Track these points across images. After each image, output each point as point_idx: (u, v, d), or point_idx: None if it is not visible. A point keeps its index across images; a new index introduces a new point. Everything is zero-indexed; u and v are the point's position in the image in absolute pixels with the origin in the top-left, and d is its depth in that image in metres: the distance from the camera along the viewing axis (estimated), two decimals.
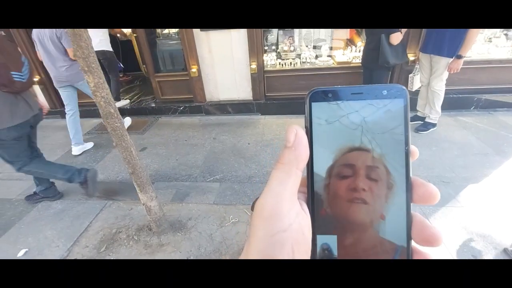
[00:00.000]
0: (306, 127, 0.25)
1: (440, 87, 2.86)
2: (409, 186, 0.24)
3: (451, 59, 2.66)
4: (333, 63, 3.80)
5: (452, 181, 2.31)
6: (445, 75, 2.80)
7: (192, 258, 1.82)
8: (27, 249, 1.99)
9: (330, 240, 0.25)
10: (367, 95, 0.24)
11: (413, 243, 0.24)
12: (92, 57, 1.36)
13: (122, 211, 2.27)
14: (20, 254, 1.94)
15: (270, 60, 3.87)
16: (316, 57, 3.91)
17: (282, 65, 3.87)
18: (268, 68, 3.86)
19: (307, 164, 0.25)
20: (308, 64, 3.84)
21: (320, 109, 0.24)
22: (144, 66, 5.26)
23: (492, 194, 2.13)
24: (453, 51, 2.62)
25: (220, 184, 2.55)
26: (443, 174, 2.41)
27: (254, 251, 0.22)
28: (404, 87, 0.24)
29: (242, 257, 0.23)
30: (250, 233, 0.23)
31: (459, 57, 2.61)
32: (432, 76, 2.87)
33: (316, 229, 0.25)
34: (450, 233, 1.82)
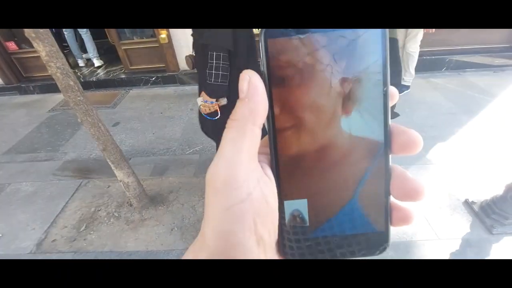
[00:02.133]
0: (262, 72, 0.20)
1: (414, 49, 2.88)
2: (387, 134, 0.21)
3: None
4: None
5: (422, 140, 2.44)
6: (420, 36, 2.81)
7: (176, 229, 1.83)
8: (0, 235, 1.90)
9: (301, 205, 0.21)
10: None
11: (392, 199, 0.22)
12: None
13: (99, 189, 2.20)
14: None
15: None
16: None
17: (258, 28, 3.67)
18: None
19: (267, 118, 0.20)
20: None
21: (278, 47, 0.19)
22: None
23: (457, 151, 2.28)
24: None
25: (200, 155, 2.51)
26: None
27: (209, 229, 0.19)
28: None
29: (199, 236, 0.20)
30: (204, 209, 0.20)
31: None
32: (407, 38, 2.87)
33: (284, 195, 0.21)
34: None
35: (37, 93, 4.03)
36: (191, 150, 2.60)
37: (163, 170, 2.35)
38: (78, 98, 1.35)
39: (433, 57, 3.60)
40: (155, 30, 3.51)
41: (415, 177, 0.21)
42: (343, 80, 0.20)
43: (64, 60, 1.29)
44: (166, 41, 3.55)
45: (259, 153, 0.21)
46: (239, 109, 0.19)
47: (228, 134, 0.19)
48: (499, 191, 1.65)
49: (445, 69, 3.66)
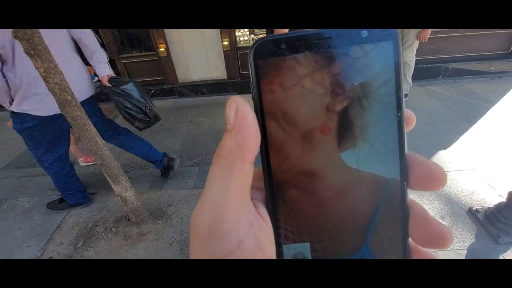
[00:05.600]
0: (253, 98, 0.17)
1: (410, 58, 2.92)
2: (404, 167, 0.17)
3: (420, 29, 2.70)
4: None
5: (423, 148, 2.43)
6: (415, 45, 2.84)
7: (175, 244, 1.80)
8: None
9: (303, 250, 0.18)
10: (339, 41, 0.16)
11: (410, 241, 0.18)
12: (38, 38, 1.20)
13: (97, 203, 2.17)
14: None
15: (242, 35, 3.71)
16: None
17: None
18: (241, 44, 3.70)
19: (261, 150, 0.17)
20: None
21: (271, 69, 0.16)
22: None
23: (459, 158, 2.27)
24: None
25: (199, 168, 2.49)
26: (415, 142, 2.51)
27: None
28: None
29: None
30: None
31: None
32: (403, 47, 2.91)
33: (282, 239, 0.18)
34: (422, 198, 1.93)
35: None
36: (190, 162, 2.58)
37: (162, 183, 2.33)
38: (76, 113, 1.35)
39: (429, 65, 3.64)
40: (154, 43, 3.55)
41: (438, 220, 0.17)
42: (349, 105, 0.17)
43: (62, 75, 1.30)
44: (165, 54, 3.59)
45: (252, 188, 0.18)
46: (226, 143, 0.17)
47: (214, 173, 0.17)
48: (502, 198, 1.63)
49: (441, 77, 3.69)
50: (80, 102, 1.62)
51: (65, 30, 1.67)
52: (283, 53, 0.16)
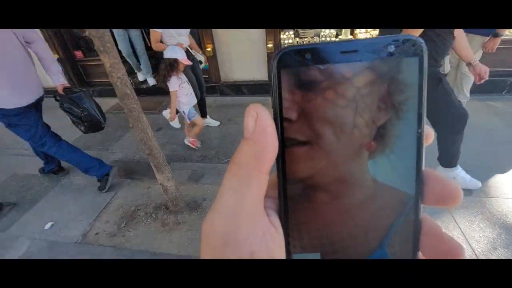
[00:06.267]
0: (273, 107, 0.17)
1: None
2: (419, 183, 0.17)
3: (487, 38, 2.44)
4: None
5: (476, 169, 2.20)
6: (478, 55, 2.58)
7: None
8: (53, 222, 2.11)
9: (312, 258, 0.19)
10: (364, 55, 0.16)
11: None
12: (108, 37, 1.34)
13: (140, 189, 2.35)
14: (47, 227, 2.07)
15: (287, 38, 3.72)
16: (337, 35, 3.71)
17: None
18: None
19: (277, 161, 0.17)
20: None
21: (294, 79, 0.17)
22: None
23: None
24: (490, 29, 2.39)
25: None
26: (467, 161, 2.29)
27: None
28: (420, 39, 0.16)
29: None
30: None
31: (496, 35, 2.38)
32: None
33: (293, 247, 0.18)
34: (472, 225, 1.76)
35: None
36: (227, 160, 2.66)
37: (199, 177, 2.43)
38: (132, 105, 1.48)
39: (492, 78, 3.27)
40: (202, 43, 3.72)
41: (451, 237, 0.17)
42: (370, 119, 0.17)
43: (124, 71, 1.43)
44: (211, 54, 3.74)
45: (265, 196, 0.18)
46: (243, 152, 0.17)
47: (229, 181, 0.17)
48: None
49: (506, 92, 3.30)
50: (31, 104, 1.94)
51: (13, 36, 1.85)
52: (307, 63, 0.16)
